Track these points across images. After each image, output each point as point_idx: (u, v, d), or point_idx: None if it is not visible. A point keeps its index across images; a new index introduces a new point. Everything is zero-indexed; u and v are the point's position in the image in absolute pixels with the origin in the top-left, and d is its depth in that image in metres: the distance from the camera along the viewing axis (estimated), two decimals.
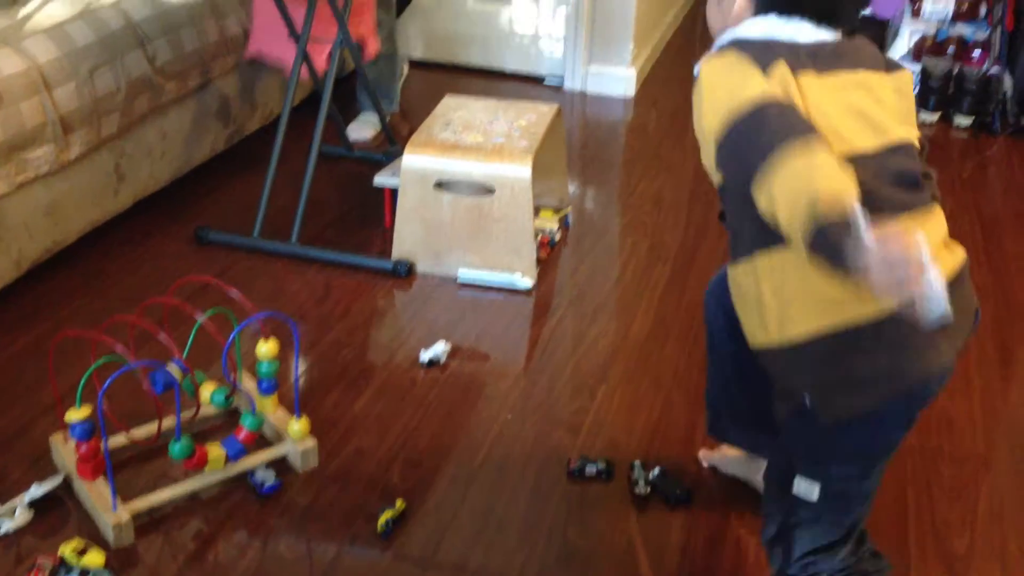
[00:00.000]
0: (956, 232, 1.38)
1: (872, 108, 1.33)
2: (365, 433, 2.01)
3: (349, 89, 3.51)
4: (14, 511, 1.75)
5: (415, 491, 1.86)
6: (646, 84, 4.03)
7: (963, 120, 3.71)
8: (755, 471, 1.85)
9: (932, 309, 1.07)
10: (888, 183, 1.29)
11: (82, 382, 1.73)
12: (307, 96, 3.36)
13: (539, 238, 2.66)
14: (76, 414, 1.73)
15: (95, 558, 1.65)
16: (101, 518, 1.72)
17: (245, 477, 1.85)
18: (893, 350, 1.27)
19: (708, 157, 1.30)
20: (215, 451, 1.81)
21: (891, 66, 1.40)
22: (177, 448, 1.75)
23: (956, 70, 3.69)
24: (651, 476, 1.88)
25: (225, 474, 1.84)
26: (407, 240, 2.58)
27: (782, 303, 1.32)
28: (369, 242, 2.74)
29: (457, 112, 2.72)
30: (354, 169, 3.11)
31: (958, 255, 1.36)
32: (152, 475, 1.86)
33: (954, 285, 1.31)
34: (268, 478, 1.84)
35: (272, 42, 2.86)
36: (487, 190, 2.49)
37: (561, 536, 1.78)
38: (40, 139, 2.29)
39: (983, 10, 3.75)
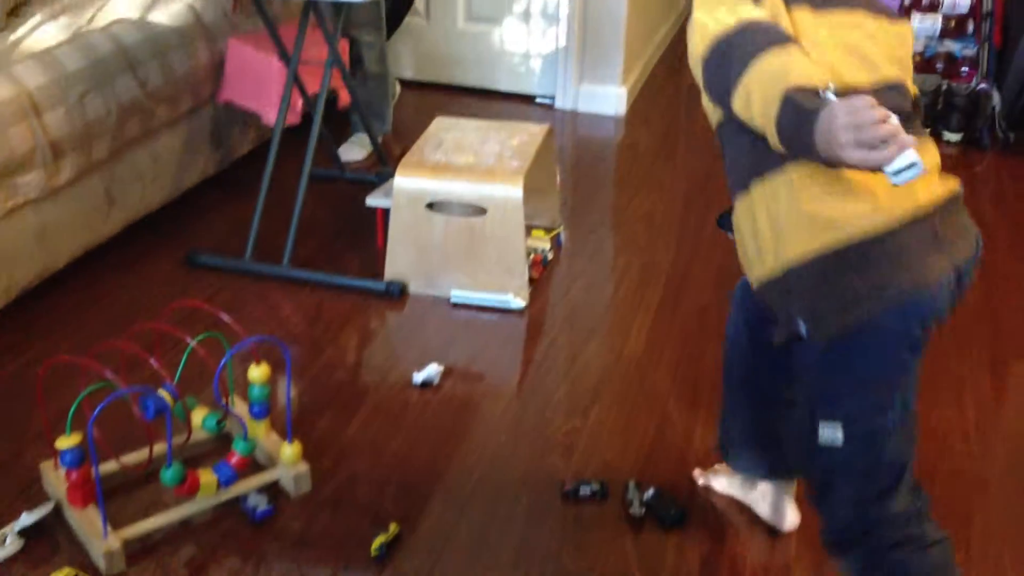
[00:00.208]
0: None
1: (866, 46, 1.35)
2: (358, 457, 2.00)
3: (340, 110, 3.51)
4: (4, 539, 1.74)
5: (409, 514, 1.85)
6: (637, 102, 4.04)
7: (952, 136, 3.73)
8: (750, 491, 1.85)
9: (905, 171, 1.10)
10: None
11: (72, 409, 1.72)
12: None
13: (531, 258, 2.66)
14: (66, 441, 1.72)
15: None
16: (92, 546, 1.71)
17: (237, 502, 1.84)
18: (883, 266, 1.28)
19: (704, 92, 1.33)
20: (207, 477, 1.80)
21: (892, 16, 1.42)
22: (169, 474, 1.74)
23: (945, 86, 3.71)
24: (646, 497, 1.87)
25: (217, 500, 1.83)
26: (399, 261, 2.58)
27: (777, 232, 1.34)
28: (361, 263, 2.73)
29: (448, 133, 2.73)
30: (346, 190, 3.11)
31: (951, 184, 1.37)
32: (143, 502, 1.85)
33: (948, 209, 1.33)
34: (261, 503, 1.83)
35: (244, 95, 2.87)
36: (479, 210, 2.49)
37: (556, 559, 1.77)
38: (30, 164, 2.28)
39: (971, 27, 3.77)
